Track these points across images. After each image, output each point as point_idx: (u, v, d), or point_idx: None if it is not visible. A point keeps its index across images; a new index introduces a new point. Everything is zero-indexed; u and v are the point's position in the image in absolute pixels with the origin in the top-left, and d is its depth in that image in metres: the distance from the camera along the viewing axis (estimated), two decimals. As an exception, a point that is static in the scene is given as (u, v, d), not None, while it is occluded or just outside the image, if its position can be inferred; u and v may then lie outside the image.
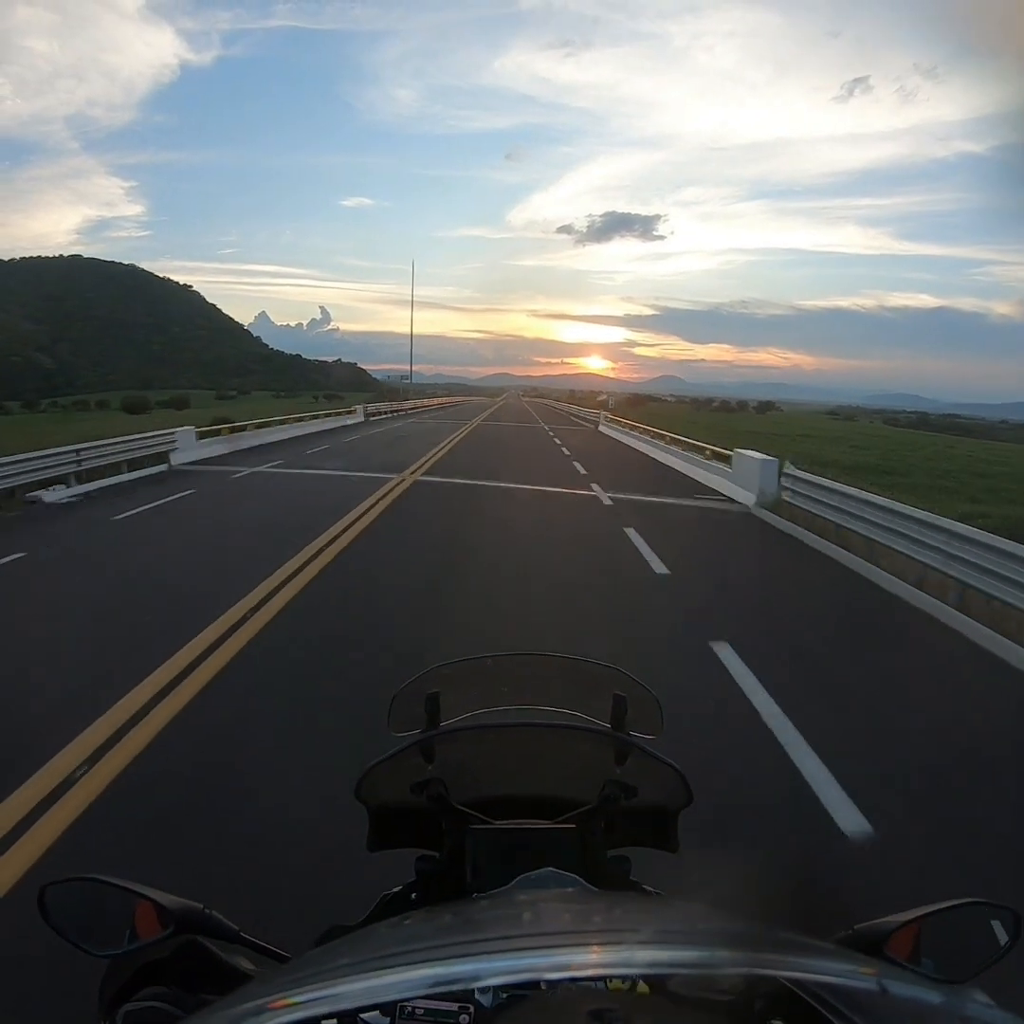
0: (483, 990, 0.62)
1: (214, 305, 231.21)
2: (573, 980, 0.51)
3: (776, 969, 0.44)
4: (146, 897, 0.71)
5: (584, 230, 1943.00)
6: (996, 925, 0.73)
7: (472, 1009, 0.62)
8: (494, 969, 0.40)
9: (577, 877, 0.83)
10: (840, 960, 0.46)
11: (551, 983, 0.54)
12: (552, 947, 0.44)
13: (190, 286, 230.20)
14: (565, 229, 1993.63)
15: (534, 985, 0.54)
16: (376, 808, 0.97)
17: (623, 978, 0.51)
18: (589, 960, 0.43)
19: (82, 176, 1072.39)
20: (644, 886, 0.94)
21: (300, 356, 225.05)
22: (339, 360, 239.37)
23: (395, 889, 0.94)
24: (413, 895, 0.93)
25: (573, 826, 0.91)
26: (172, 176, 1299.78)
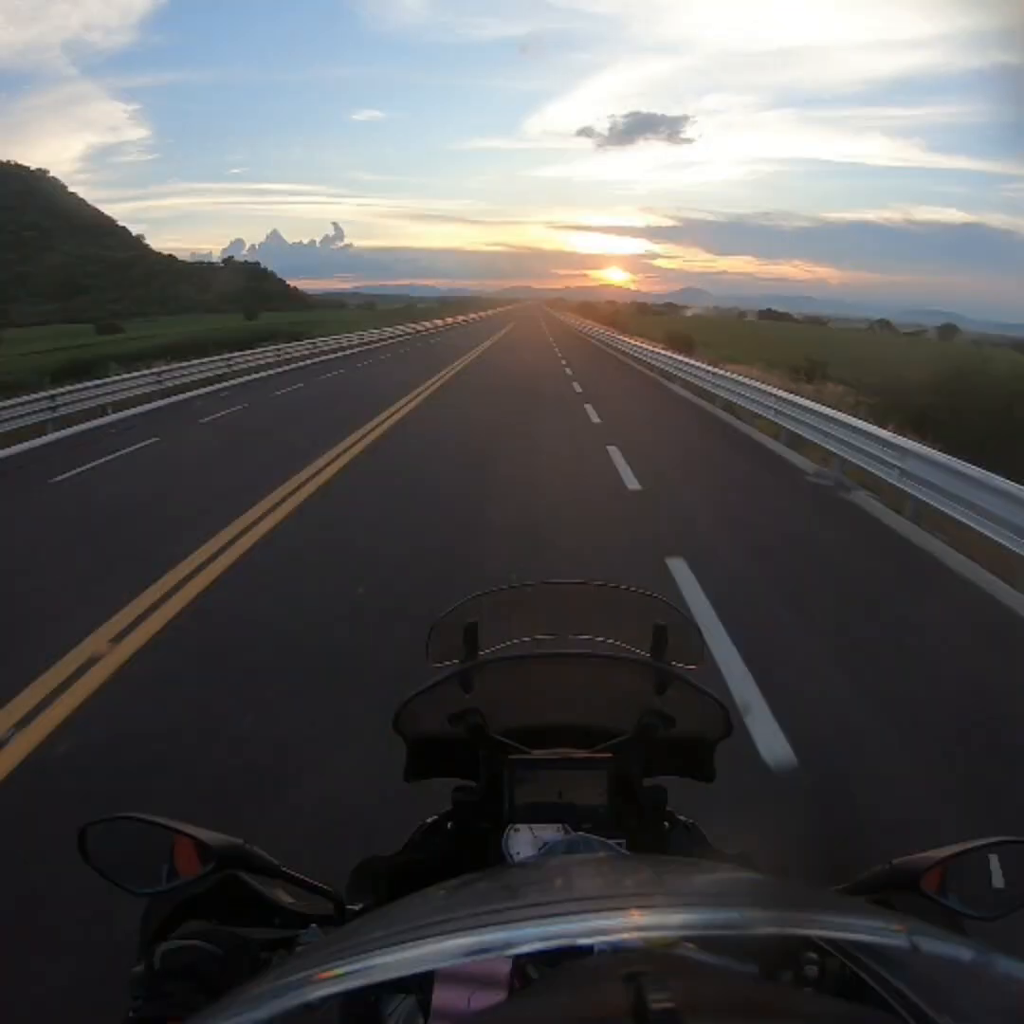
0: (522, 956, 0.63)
1: (75, 194, 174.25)
2: (609, 945, 0.51)
3: (807, 928, 0.46)
4: (186, 834, 0.73)
5: (605, 133, 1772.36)
6: None
7: (511, 969, 0.64)
8: (527, 936, 0.40)
9: (608, 841, 0.85)
10: (871, 917, 0.46)
11: (586, 947, 0.54)
12: (585, 912, 0.45)
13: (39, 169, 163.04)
14: (585, 132, 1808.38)
15: (572, 950, 0.52)
16: (414, 738, 0.98)
17: (658, 940, 0.52)
18: (621, 923, 0.44)
19: (83, 102, 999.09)
20: (679, 816, 0.96)
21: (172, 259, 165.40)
22: (231, 259, 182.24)
23: (431, 818, 0.97)
24: (450, 824, 0.96)
25: (610, 756, 0.93)
26: (176, 97, 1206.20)
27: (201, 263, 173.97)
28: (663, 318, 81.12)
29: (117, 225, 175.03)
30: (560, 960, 0.56)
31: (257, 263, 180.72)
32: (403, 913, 0.56)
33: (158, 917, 0.74)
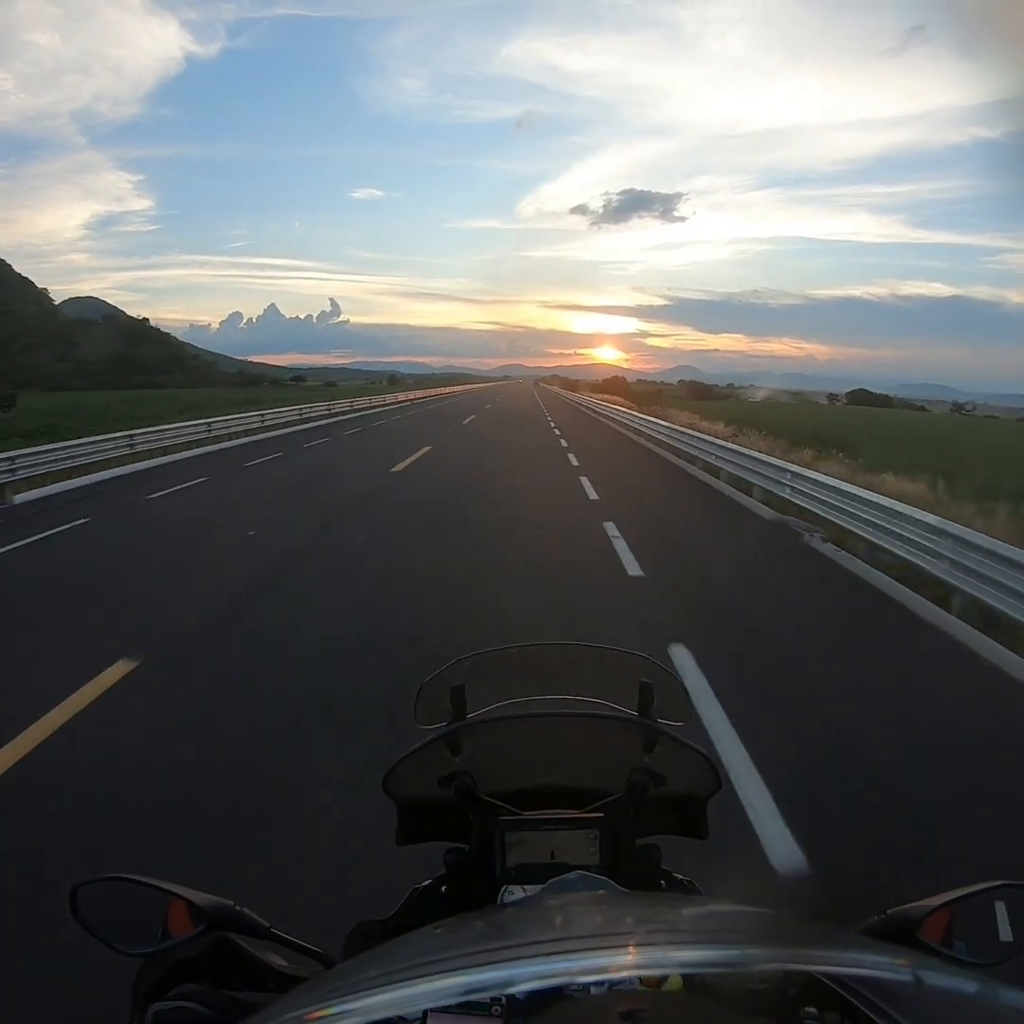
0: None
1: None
2: (606, 982, 0.53)
3: (809, 964, 0.46)
4: (177, 895, 0.74)
5: (599, 211, 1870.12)
6: None
7: (504, 1000, 0.63)
8: (526, 974, 0.41)
9: (606, 879, 0.86)
10: (873, 952, 0.47)
11: (584, 985, 0.56)
12: (584, 950, 0.45)
13: None
14: (579, 210, 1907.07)
15: (570, 988, 0.56)
16: (404, 801, 1.00)
17: (656, 978, 0.53)
18: (621, 962, 0.44)
19: (89, 171, 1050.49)
20: (675, 874, 0.97)
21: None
22: (112, 317, 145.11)
23: (425, 882, 0.98)
24: (443, 888, 0.97)
25: (601, 815, 0.94)
26: (180, 170, 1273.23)
27: (80, 321, 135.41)
28: (729, 404, 71.92)
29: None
30: (559, 998, 0.57)
31: (146, 319, 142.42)
32: (399, 952, 0.57)
33: (150, 978, 0.75)
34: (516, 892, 0.89)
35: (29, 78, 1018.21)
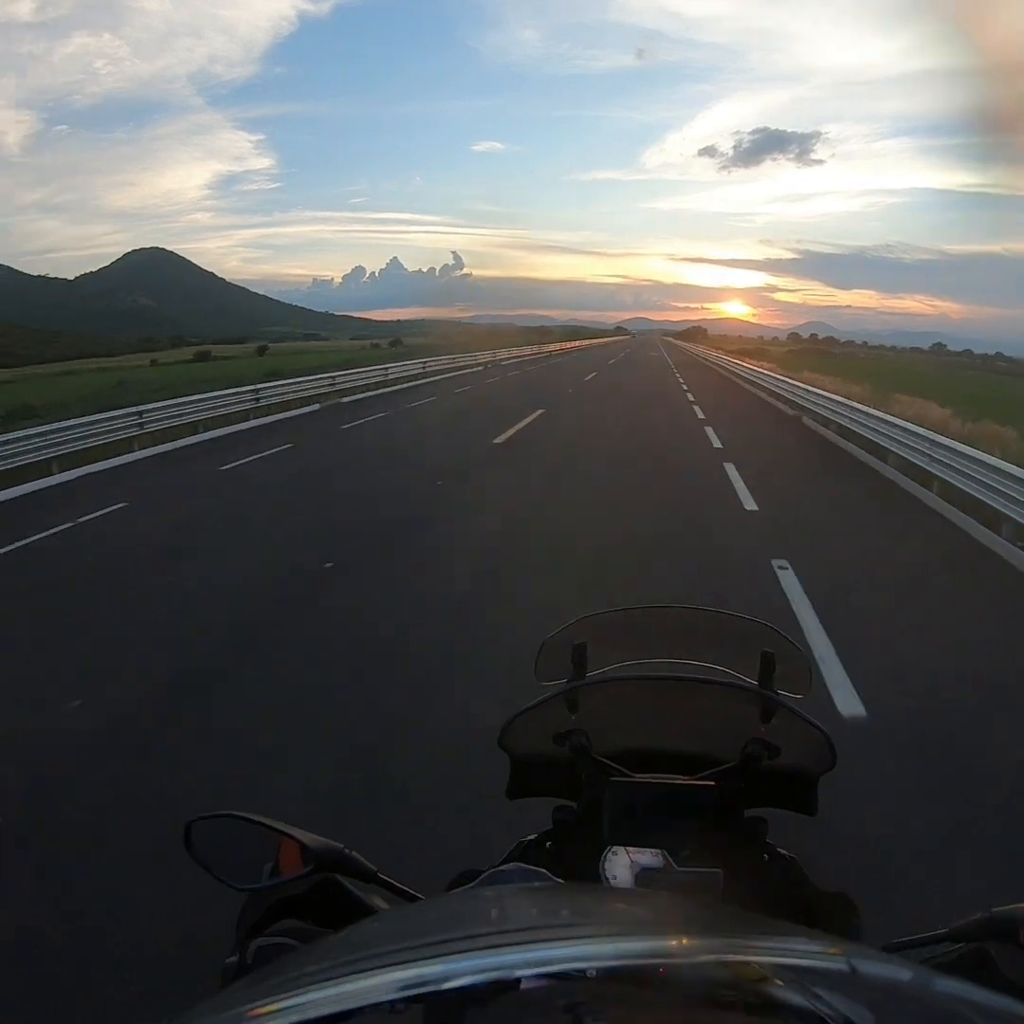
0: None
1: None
2: (546, 975, 0.52)
3: (743, 955, 0.47)
4: (289, 835, 0.77)
5: (729, 153, 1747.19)
6: None
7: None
8: (463, 969, 0.42)
9: (543, 871, 0.85)
10: (808, 942, 0.48)
11: (525, 978, 0.57)
12: (521, 943, 0.46)
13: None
14: (707, 152, 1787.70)
15: (511, 982, 0.57)
16: (519, 756, 1.04)
17: (598, 971, 0.52)
18: (558, 954, 0.45)
19: (209, 132, 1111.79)
20: (780, 849, 0.98)
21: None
22: None
23: (530, 836, 1.01)
24: (548, 844, 1.00)
25: (712, 783, 0.95)
26: (299, 128, 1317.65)
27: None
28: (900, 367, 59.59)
29: None
30: (497, 993, 0.57)
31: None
32: (339, 946, 0.58)
33: (255, 913, 0.78)
34: (620, 853, 0.91)
35: (142, 44, 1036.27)
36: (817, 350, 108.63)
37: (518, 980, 0.51)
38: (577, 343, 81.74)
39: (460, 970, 0.42)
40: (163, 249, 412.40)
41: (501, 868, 0.86)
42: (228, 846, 0.79)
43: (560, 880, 0.84)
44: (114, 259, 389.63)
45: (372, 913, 0.79)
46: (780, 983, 0.51)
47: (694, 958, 0.44)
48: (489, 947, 0.45)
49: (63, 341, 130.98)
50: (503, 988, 0.50)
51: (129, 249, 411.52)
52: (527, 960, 0.44)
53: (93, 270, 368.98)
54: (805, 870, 0.96)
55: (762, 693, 0.97)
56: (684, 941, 0.47)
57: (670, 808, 0.93)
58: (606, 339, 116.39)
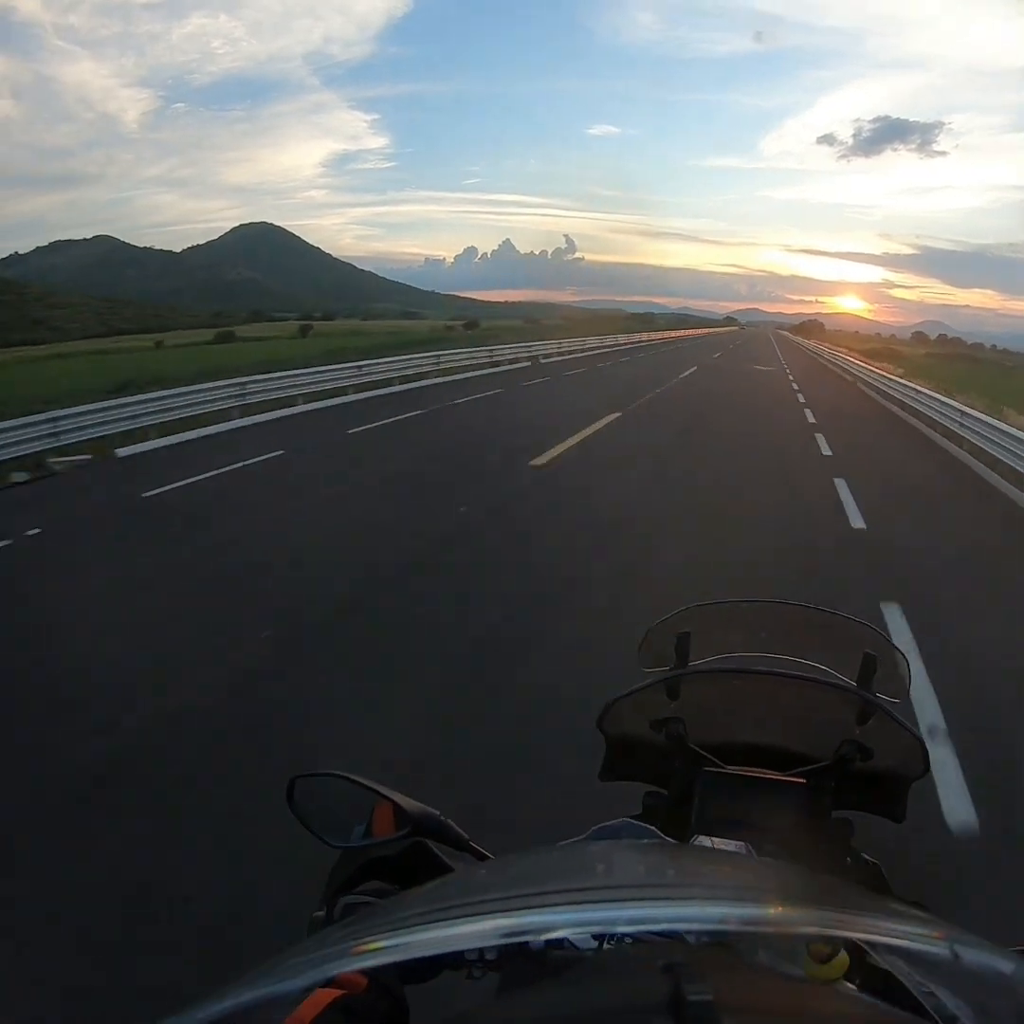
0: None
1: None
2: (646, 933, 0.55)
3: (844, 930, 0.47)
4: (386, 797, 0.79)
5: (849, 141, 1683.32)
6: None
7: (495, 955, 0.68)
8: (564, 921, 0.42)
9: (652, 828, 0.86)
10: (912, 923, 0.47)
11: (624, 935, 0.59)
12: (623, 900, 0.46)
13: None
14: (826, 140, 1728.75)
15: (610, 937, 0.59)
16: (615, 738, 1.05)
17: (700, 934, 0.54)
18: (659, 914, 0.45)
19: (324, 111, 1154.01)
20: (864, 854, 0.97)
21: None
22: None
23: (617, 820, 1.01)
24: None
25: (804, 781, 0.96)
26: (413, 108, 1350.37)
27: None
28: None
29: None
30: (598, 946, 0.61)
31: None
32: (443, 890, 0.60)
33: (346, 871, 0.80)
34: (706, 843, 0.90)
35: (260, 24, 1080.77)
36: (959, 355, 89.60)
37: (620, 936, 0.56)
38: (678, 333, 76.61)
39: (561, 922, 0.42)
40: (271, 224, 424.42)
41: (608, 824, 0.87)
42: (328, 804, 0.82)
43: (670, 840, 0.85)
44: (222, 233, 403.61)
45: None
46: (880, 962, 0.53)
47: (797, 928, 0.45)
48: (591, 901, 0.45)
49: (128, 311, 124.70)
50: (603, 943, 0.57)
51: (238, 223, 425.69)
52: (630, 917, 0.45)
53: (201, 243, 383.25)
54: (888, 879, 0.95)
55: (860, 694, 0.97)
56: (789, 910, 0.46)
57: (760, 802, 0.95)
58: (709, 330, 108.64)
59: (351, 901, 0.74)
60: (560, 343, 31.51)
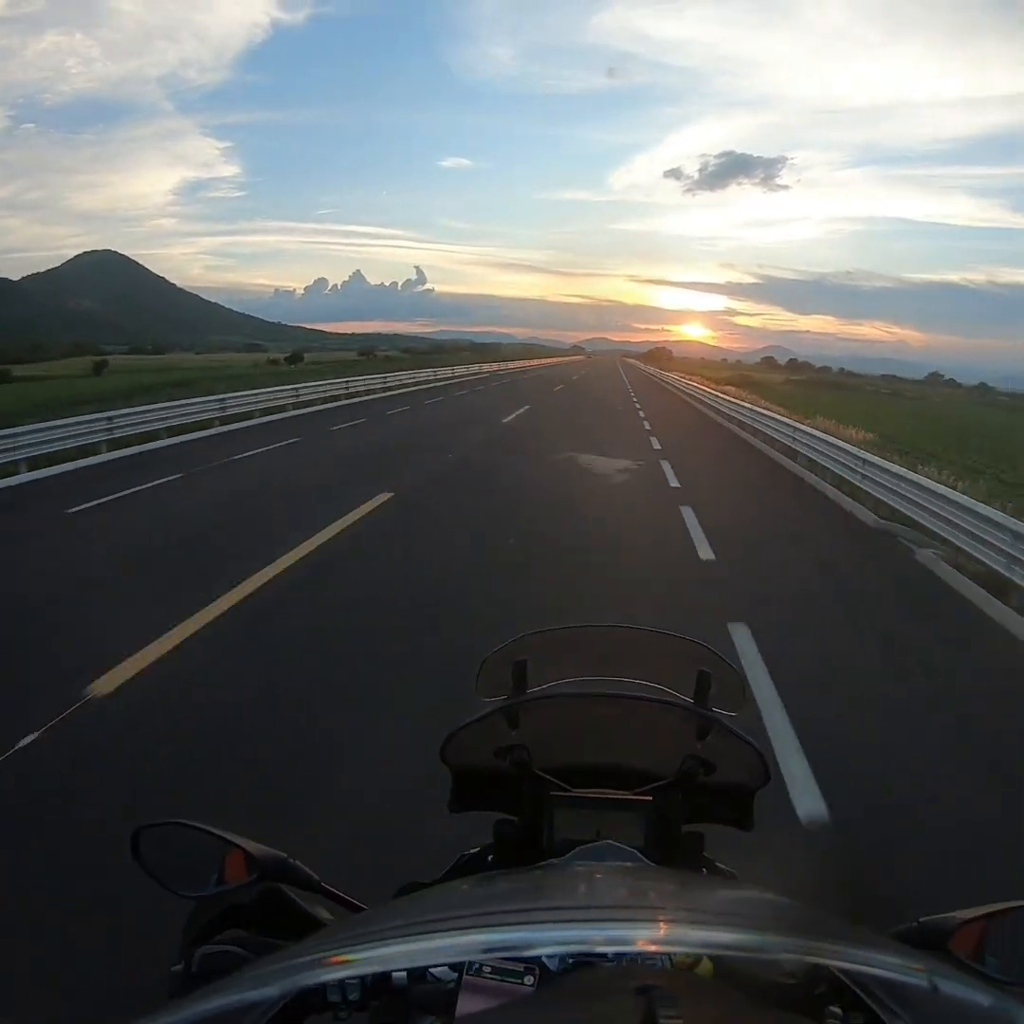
0: (551, 957, 0.66)
1: None
2: (625, 955, 0.54)
3: (825, 958, 0.47)
4: (234, 844, 0.78)
5: (695, 176, 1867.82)
6: None
7: (538, 971, 0.66)
8: (545, 939, 0.43)
9: (634, 850, 0.88)
10: (891, 954, 0.47)
11: (609, 955, 0.58)
12: (605, 920, 0.46)
13: None
14: (673, 174, 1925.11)
15: (589, 957, 0.58)
16: (460, 770, 1.05)
17: (685, 956, 0.55)
18: (640, 935, 0.45)
19: (177, 137, 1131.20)
20: (717, 863, 1.00)
21: None
22: None
23: (472, 850, 1.02)
24: (490, 857, 1.01)
25: (650, 799, 0.97)
26: (267, 136, 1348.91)
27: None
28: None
29: None
30: (576, 966, 0.60)
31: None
32: (425, 904, 0.61)
33: (201, 921, 0.79)
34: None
35: (115, 44, 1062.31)
36: (822, 382, 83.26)
37: (598, 956, 0.56)
38: (521, 363, 75.57)
39: (542, 940, 0.43)
40: (116, 252, 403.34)
41: (591, 845, 0.88)
42: (175, 854, 0.80)
43: (651, 863, 0.87)
44: (64, 261, 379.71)
45: (316, 923, 0.81)
46: (857, 991, 0.54)
47: (774, 954, 0.45)
48: (572, 921, 0.45)
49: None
50: (582, 963, 0.56)
51: (81, 251, 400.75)
52: (608, 938, 0.45)
53: (41, 271, 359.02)
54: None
55: (698, 710, 1.00)
56: (767, 936, 0.46)
57: (609, 822, 0.95)
58: (556, 359, 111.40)
59: (209, 951, 0.73)
60: (385, 378, 29.64)
